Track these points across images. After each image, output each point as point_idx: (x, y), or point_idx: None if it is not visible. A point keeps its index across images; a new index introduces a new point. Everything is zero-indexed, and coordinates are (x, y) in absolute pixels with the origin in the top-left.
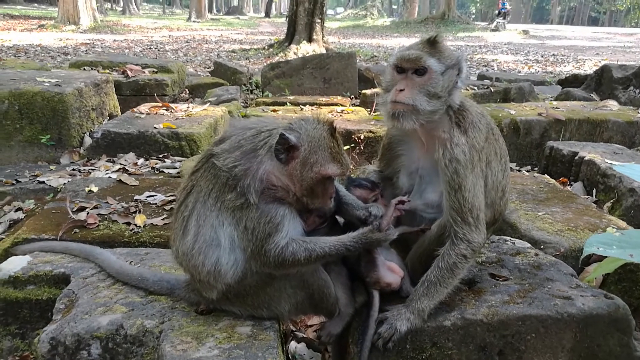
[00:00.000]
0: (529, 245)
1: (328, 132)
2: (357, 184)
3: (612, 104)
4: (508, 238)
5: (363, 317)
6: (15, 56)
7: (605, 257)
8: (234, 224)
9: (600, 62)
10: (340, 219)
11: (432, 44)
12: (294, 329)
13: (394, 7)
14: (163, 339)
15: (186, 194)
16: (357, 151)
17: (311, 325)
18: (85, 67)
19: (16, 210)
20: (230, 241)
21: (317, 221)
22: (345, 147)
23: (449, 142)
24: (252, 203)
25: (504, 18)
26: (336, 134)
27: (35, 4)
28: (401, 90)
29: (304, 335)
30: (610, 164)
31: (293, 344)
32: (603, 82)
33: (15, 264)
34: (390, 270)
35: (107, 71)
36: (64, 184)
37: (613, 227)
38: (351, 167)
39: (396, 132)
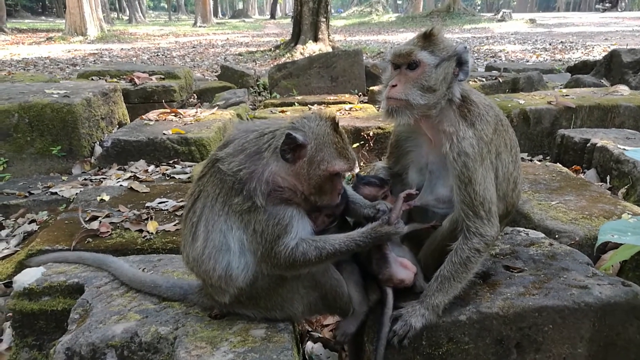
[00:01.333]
0: (543, 235)
1: (331, 127)
2: (366, 182)
3: (623, 89)
4: (521, 229)
5: (378, 314)
6: (24, 69)
7: (622, 244)
8: (243, 228)
9: (609, 47)
10: (350, 220)
11: (426, 38)
12: (310, 329)
13: (399, 2)
14: (177, 345)
15: (194, 200)
16: (367, 148)
17: (327, 325)
18: (93, 77)
19: (30, 222)
20: (239, 245)
21: (326, 221)
22: (355, 145)
23: (455, 135)
24: (259, 206)
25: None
26: (339, 128)
27: (43, 17)
28: (394, 86)
29: (320, 335)
30: (623, 149)
31: (309, 345)
32: (613, 68)
33: (30, 276)
34: (402, 266)
35: (115, 80)
36: (76, 194)
37: (628, 213)
38: (357, 161)
39: (403, 129)
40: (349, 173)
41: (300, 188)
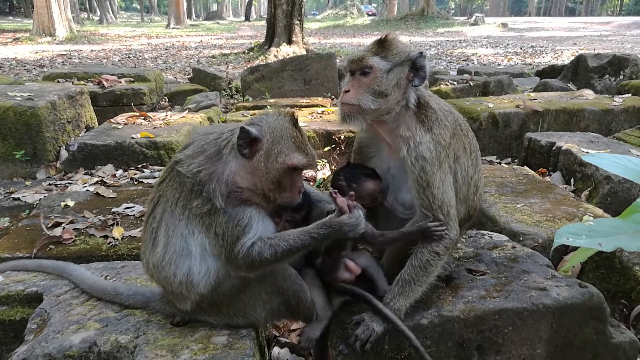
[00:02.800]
0: (506, 238)
1: (290, 122)
2: (367, 174)
3: (588, 93)
4: (486, 232)
5: (342, 319)
6: None
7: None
8: (204, 232)
9: (577, 51)
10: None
11: (380, 44)
12: (277, 334)
13: (374, 5)
14: (137, 354)
15: (154, 205)
16: (338, 152)
17: (294, 330)
18: (60, 79)
19: None
20: (201, 250)
21: (287, 226)
22: (326, 148)
23: (412, 140)
24: (218, 208)
25: None
26: (298, 124)
27: (10, 17)
28: (347, 92)
29: (287, 340)
30: (586, 152)
31: (276, 350)
32: (579, 72)
33: None
34: (346, 268)
35: (82, 82)
36: (40, 199)
37: (589, 215)
38: (316, 159)
39: (364, 135)
40: (319, 177)
41: (259, 185)
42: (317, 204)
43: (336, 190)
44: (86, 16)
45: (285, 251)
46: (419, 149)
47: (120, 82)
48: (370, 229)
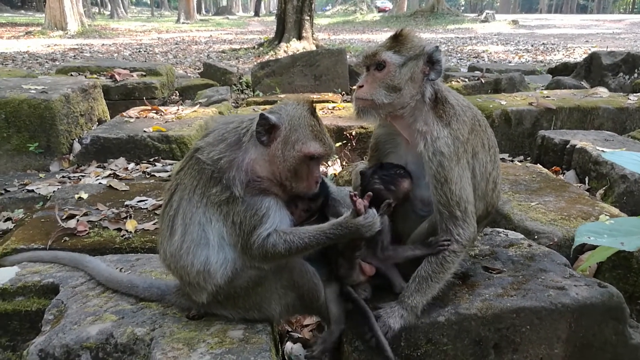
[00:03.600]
0: (522, 236)
1: (308, 111)
2: (401, 174)
3: (602, 91)
4: (501, 230)
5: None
6: (2, 64)
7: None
8: (222, 220)
9: (589, 49)
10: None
11: (395, 39)
12: (289, 330)
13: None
14: (154, 347)
15: (171, 194)
16: (349, 147)
17: (307, 325)
18: (73, 73)
19: (5, 221)
20: (219, 238)
21: (303, 215)
22: (337, 144)
23: (429, 135)
24: (237, 196)
25: None
26: (316, 113)
27: (22, 11)
28: (361, 87)
29: (300, 336)
30: (602, 151)
31: (289, 345)
32: (592, 70)
33: (4, 276)
34: (361, 270)
35: (95, 76)
36: (54, 191)
37: (605, 215)
38: (334, 149)
39: (381, 131)
40: (330, 172)
41: (277, 173)
42: (333, 203)
43: (355, 193)
44: (97, 11)
45: (299, 247)
46: (436, 143)
47: (132, 76)
48: (385, 240)
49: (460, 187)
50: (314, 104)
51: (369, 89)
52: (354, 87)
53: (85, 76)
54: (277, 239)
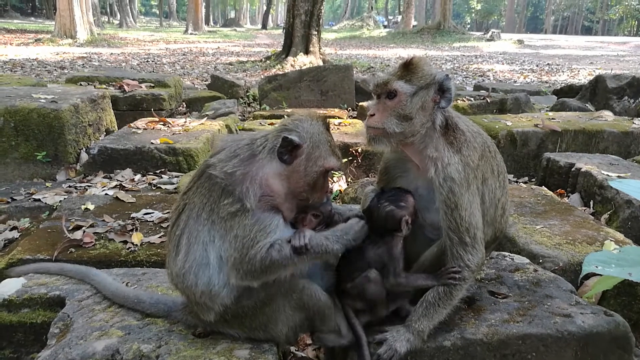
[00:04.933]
0: (527, 260)
1: (324, 127)
2: (405, 191)
3: (607, 115)
4: (507, 254)
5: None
6: (11, 71)
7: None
8: (224, 235)
9: (594, 71)
10: None
11: (405, 67)
12: (293, 349)
13: (390, 17)
14: None
15: (178, 213)
16: (355, 164)
17: (310, 344)
18: (82, 83)
19: (11, 229)
20: (218, 260)
21: (314, 221)
22: (343, 161)
23: (440, 161)
24: (248, 209)
25: None
26: (329, 129)
27: (32, 18)
28: (372, 115)
29: (304, 355)
30: (607, 175)
31: None
32: (597, 92)
33: (10, 287)
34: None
35: (104, 86)
36: (60, 201)
37: (610, 240)
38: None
39: (391, 156)
40: (336, 189)
41: (292, 187)
42: (337, 218)
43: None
44: (107, 20)
45: (318, 252)
46: (447, 169)
47: (141, 87)
48: (398, 267)
49: (470, 213)
50: (327, 120)
51: (381, 117)
52: (363, 103)
53: (95, 86)
54: (281, 244)
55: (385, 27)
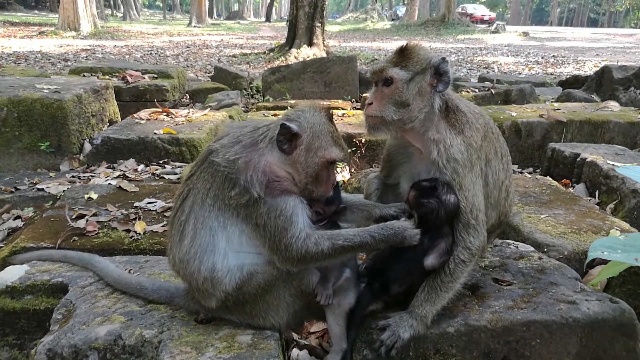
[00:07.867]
0: (532, 248)
1: (326, 117)
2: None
3: (613, 105)
4: (511, 242)
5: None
6: (15, 63)
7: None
8: (241, 223)
9: (600, 63)
10: (348, 226)
11: (400, 53)
12: (296, 336)
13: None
14: (162, 349)
15: (182, 200)
16: (359, 155)
17: (314, 332)
18: (85, 74)
19: (15, 219)
20: (225, 245)
21: (315, 218)
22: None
23: (442, 143)
24: (257, 198)
25: None
26: (333, 119)
27: (36, 11)
28: (370, 104)
29: (307, 343)
30: (613, 165)
31: (295, 352)
32: (603, 83)
33: (13, 274)
34: None
35: (107, 77)
36: (63, 191)
37: (616, 229)
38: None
39: (394, 142)
40: (339, 179)
41: (297, 177)
42: (342, 210)
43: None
44: (110, 12)
45: (344, 247)
46: (450, 151)
47: (144, 78)
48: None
49: (473, 194)
50: (330, 110)
51: (378, 105)
52: (366, 95)
53: (98, 77)
54: (319, 237)
55: (393, 20)
